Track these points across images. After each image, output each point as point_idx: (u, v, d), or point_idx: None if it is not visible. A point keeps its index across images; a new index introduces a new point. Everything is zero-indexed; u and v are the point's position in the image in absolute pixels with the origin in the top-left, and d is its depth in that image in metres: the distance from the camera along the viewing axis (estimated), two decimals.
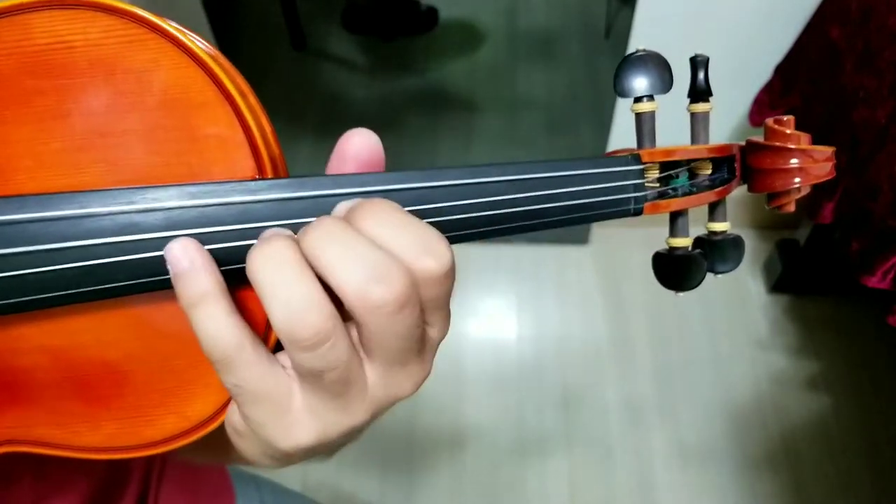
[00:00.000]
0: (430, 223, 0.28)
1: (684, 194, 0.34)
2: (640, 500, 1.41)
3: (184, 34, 0.29)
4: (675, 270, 0.35)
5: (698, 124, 0.34)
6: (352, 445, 0.37)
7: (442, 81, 2.13)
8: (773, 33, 1.33)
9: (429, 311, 0.28)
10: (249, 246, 0.28)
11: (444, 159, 1.91)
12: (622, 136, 1.53)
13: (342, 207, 0.29)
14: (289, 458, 0.33)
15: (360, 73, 2.20)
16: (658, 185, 0.34)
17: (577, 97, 2.06)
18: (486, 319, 1.66)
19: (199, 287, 0.28)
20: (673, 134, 0.37)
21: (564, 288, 1.71)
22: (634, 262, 1.71)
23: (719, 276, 0.35)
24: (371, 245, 0.26)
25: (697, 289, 0.35)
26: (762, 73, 1.37)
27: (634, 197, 0.33)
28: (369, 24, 2.26)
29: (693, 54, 0.34)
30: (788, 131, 0.32)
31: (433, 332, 0.30)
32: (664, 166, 0.34)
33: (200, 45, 0.30)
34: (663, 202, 0.34)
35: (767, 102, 1.37)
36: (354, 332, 0.28)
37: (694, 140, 0.35)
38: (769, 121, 0.33)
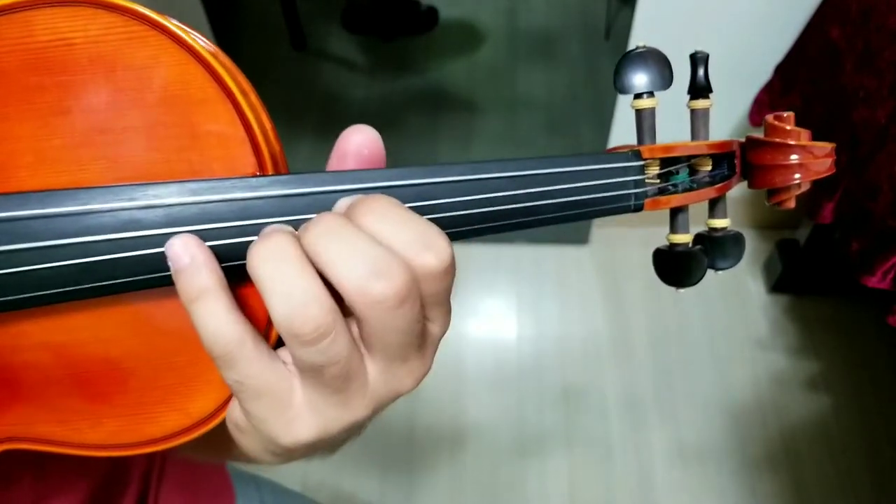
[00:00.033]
0: (431, 219, 0.28)
1: (684, 190, 0.34)
2: (640, 500, 1.41)
3: (184, 31, 0.29)
4: (675, 267, 0.35)
5: (698, 121, 0.34)
6: (352, 445, 0.37)
7: (442, 81, 2.13)
8: (773, 33, 1.33)
9: (429, 306, 0.28)
10: (250, 242, 0.28)
11: (444, 159, 1.91)
12: (622, 136, 1.53)
13: (342, 204, 0.29)
14: (290, 454, 0.33)
15: (360, 73, 2.20)
16: (658, 181, 0.34)
17: (577, 97, 2.06)
18: (486, 319, 1.66)
19: (200, 283, 0.28)
20: (673, 131, 0.37)
21: (564, 288, 1.71)
22: (634, 262, 1.71)
23: (720, 272, 0.35)
24: (371, 241, 0.26)
25: (697, 289, 0.35)
26: (762, 73, 1.37)
27: (635, 193, 0.33)
28: (369, 24, 2.26)
29: (693, 51, 0.34)
30: (788, 127, 0.32)
31: (434, 327, 0.30)
32: (664, 162, 0.34)
33: (201, 42, 0.30)
34: (663, 198, 0.34)
35: (767, 102, 1.37)
36: (355, 328, 0.28)
37: (694, 136, 0.35)
38: (769, 117, 0.33)
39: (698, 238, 0.36)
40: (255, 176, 0.30)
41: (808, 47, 1.27)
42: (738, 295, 1.67)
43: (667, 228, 0.36)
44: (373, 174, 0.30)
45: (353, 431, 0.32)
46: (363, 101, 2.10)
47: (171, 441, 0.33)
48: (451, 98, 2.10)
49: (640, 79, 0.33)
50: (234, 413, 0.32)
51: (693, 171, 0.35)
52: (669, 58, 0.34)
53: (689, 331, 1.62)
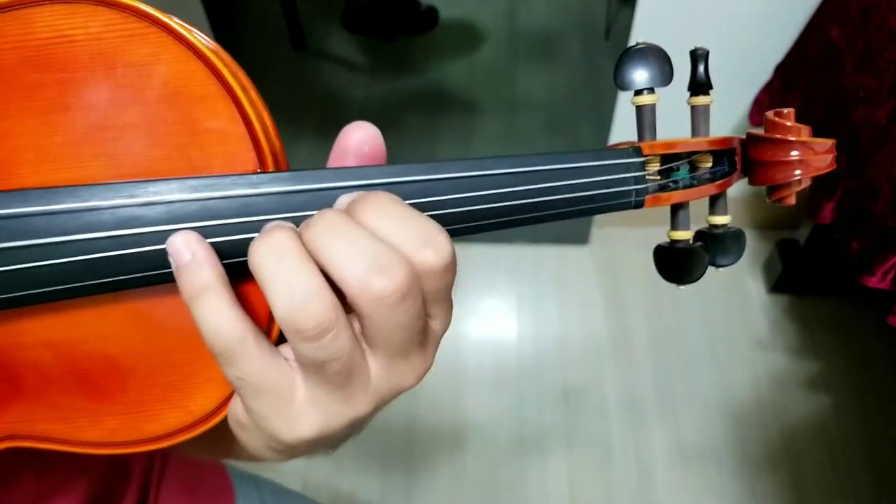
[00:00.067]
0: (431, 216, 0.29)
1: (685, 187, 0.34)
2: (640, 500, 1.41)
3: (185, 28, 0.29)
4: (676, 263, 0.35)
5: (699, 117, 0.34)
6: (352, 445, 0.37)
7: (442, 81, 2.14)
8: (773, 33, 1.33)
9: (430, 303, 0.28)
10: (251, 239, 0.28)
11: (444, 159, 1.91)
12: (622, 136, 1.53)
13: (343, 200, 0.29)
14: (292, 451, 0.33)
15: (360, 73, 2.20)
16: (659, 177, 0.34)
17: (577, 97, 2.06)
18: (486, 319, 1.66)
19: (201, 280, 0.28)
20: (673, 129, 0.37)
21: (564, 288, 1.71)
22: (634, 262, 1.71)
23: (720, 269, 0.35)
24: (373, 237, 0.26)
25: (697, 289, 0.35)
26: (762, 73, 1.37)
27: (635, 189, 0.33)
28: (369, 24, 2.26)
29: (693, 47, 0.34)
30: (789, 123, 0.32)
31: (435, 324, 0.30)
32: (665, 159, 0.34)
33: (201, 39, 0.30)
34: (664, 195, 0.34)
35: (767, 102, 1.37)
36: (357, 325, 0.28)
37: (694, 133, 0.35)
38: (769, 113, 0.33)
39: (699, 235, 0.36)
40: (255, 173, 0.30)
41: (808, 47, 1.27)
42: (738, 295, 1.67)
43: (666, 229, 0.36)
44: (373, 171, 0.30)
45: (355, 428, 0.32)
46: (363, 101, 2.10)
47: (172, 439, 0.33)
48: (451, 98, 2.10)
49: (640, 75, 0.33)
50: (235, 410, 0.32)
51: (694, 167, 0.35)
52: (669, 57, 0.34)
53: (689, 331, 1.62)
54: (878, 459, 1.43)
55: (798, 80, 1.29)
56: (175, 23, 0.29)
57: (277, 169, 0.31)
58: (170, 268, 0.29)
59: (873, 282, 1.07)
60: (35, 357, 0.32)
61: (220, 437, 0.36)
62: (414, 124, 2.02)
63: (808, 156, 0.32)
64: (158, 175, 0.30)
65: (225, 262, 0.29)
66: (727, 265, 0.35)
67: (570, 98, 2.07)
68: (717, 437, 1.47)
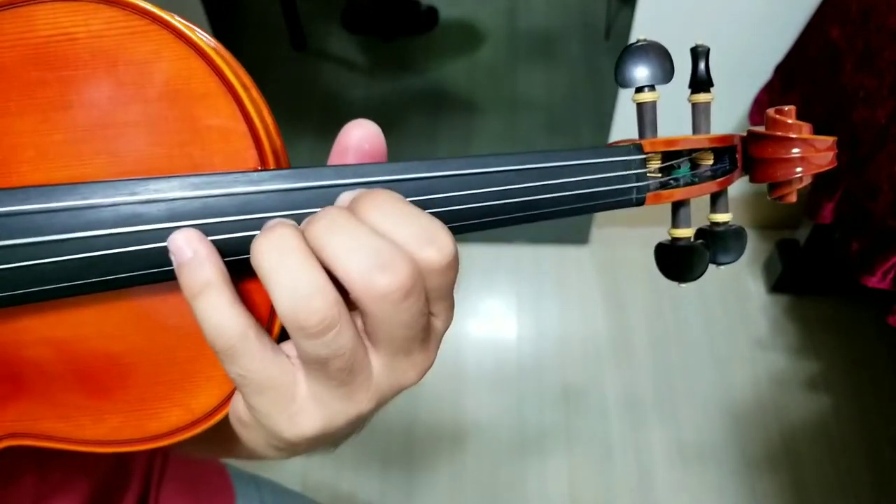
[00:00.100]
0: (433, 214, 0.29)
1: (686, 184, 0.34)
2: (640, 500, 1.40)
3: (186, 26, 0.29)
4: (677, 261, 0.35)
5: (700, 115, 0.34)
6: (352, 445, 0.37)
7: (442, 81, 2.14)
8: (773, 33, 1.33)
9: (433, 301, 0.28)
10: (252, 237, 0.28)
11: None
12: (622, 136, 1.52)
13: (345, 198, 0.29)
14: (293, 449, 0.33)
15: (360, 73, 2.20)
16: (660, 175, 0.34)
17: (577, 97, 2.06)
18: (486, 319, 1.66)
19: (203, 277, 0.28)
20: (674, 128, 0.37)
21: (564, 288, 1.71)
22: (634, 262, 1.71)
23: (721, 267, 0.35)
24: (376, 234, 0.26)
25: (697, 289, 0.35)
26: (762, 73, 1.37)
27: (637, 187, 0.33)
28: (369, 24, 2.26)
29: (694, 44, 0.34)
30: (790, 121, 0.32)
31: (437, 322, 0.30)
32: (666, 156, 0.34)
33: (202, 37, 0.30)
34: (665, 192, 0.34)
35: (767, 102, 1.37)
36: (359, 322, 0.28)
37: (695, 130, 0.35)
38: (770, 111, 0.33)
39: (700, 233, 0.36)
40: (256, 170, 0.30)
41: (808, 47, 1.27)
42: (738, 295, 1.67)
43: (667, 229, 0.36)
44: (374, 168, 0.30)
45: (357, 425, 0.32)
46: (363, 101, 2.10)
47: (173, 437, 0.33)
48: (451, 98, 2.10)
49: (641, 72, 0.33)
50: (237, 407, 0.32)
51: (694, 165, 0.35)
52: (670, 54, 0.34)
53: (689, 331, 1.62)
54: (878, 459, 1.43)
55: (798, 80, 1.30)
56: (176, 20, 0.29)
57: (278, 167, 0.31)
58: (171, 265, 0.29)
59: (873, 282, 1.07)
60: (36, 355, 0.32)
61: (222, 436, 0.36)
62: (414, 124, 2.02)
63: (809, 153, 0.32)
64: (160, 173, 0.30)
65: (226, 259, 0.29)
66: (728, 263, 0.35)
67: (570, 98, 2.07)
68: (717, 437, 1.47)
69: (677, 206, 0.35)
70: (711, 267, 0.35)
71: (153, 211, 0.29)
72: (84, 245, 0.29)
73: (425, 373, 0.31)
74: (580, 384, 1.55)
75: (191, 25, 0.29)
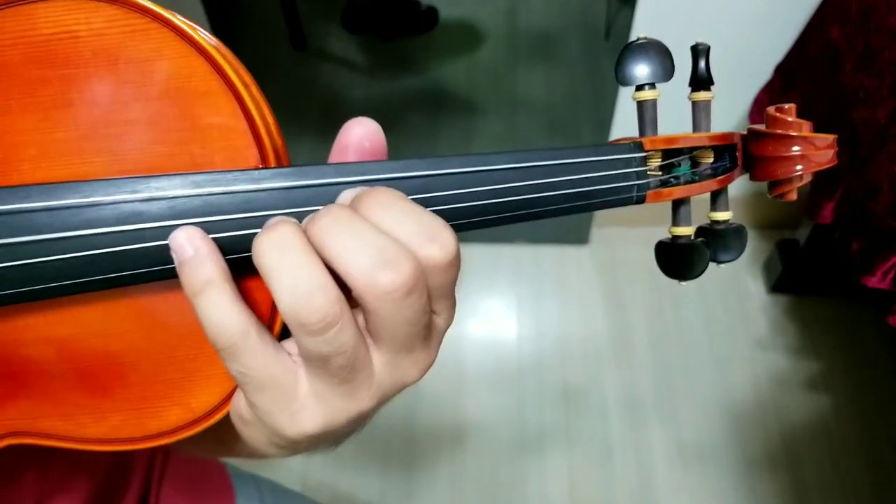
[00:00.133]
0: (434, 211, 0.29)
1: (686, 182, 0.34)
2: (640, 500, 1.40)
3: (187, 24, 0.29)
4: (677, 259, 0.35)
5: (700, 113, 0.34)
6: (352, 445, 0.37)
7: (442, 81, 2.14)
8: (773, 33, 1.33)
9: (435, 298, 0.29)
10: (253, 235, 0.28)
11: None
12: (622, 136, 1.53)
13: (346, 196, 0.29)
14: (295, 447, 0.33)
15: (360, 73, 2.20)
16: (660, 173, 0.34)
17: (577, 97, 2.06)
18: (486, 319, 1.66)
19: (204, 275, 0.28)
20: (675, 125, 0.37)
21: (564, 288, 1.71)
22: (634, 262, 1.71)
23: (721, 266, 0.35)
24: (378, 232, 0.26)
25: (698, 289, 0.35)
26: (762, 73, 1.37)
27: (637, 185, 0.33)
28: (369, 24, 2.26)
29: (694, 42, 0.34)
30: (790, 119, 0.32)
31: (439, 320, 0.30)
32: (666, 154, 0.34)
33: (203, 35, 0.30)
34: (665, 190, 0.34)
35: (767, 102, 1.37)
36: (361, 319, 0.29)
37: (696, 129, 0.35)
38: (770, 109, 0.33)
39: (700, 231, 0.36)
40: (257, 168, 0.30)
41: (808, 47, 1.27)
42: (738, 295, 1.67)
43: (666, 229, 0.36)
44: (375, 166, 0.30)
45: (358, 423, 0.32)
46: (363, 101, 2.10)
47: (174, 435, 0.33)
48: (451, 98, 2.10)
49: (641, 70, 0.33)
50: (238, 405, 0.32)
51: (695, 163, 0.35)
52: (671, 52, 0.34)
53: (689, 331, 1.62)
54: (878, 459, 1.43)
55: (798, 80, 1.30)
56: (177, 19, 0.29)
57: (279, 165, 0.31)
58: (172, 264, 0.29)
59: (873, 282, 1.07)
60: (37, 353, 0.32)
61: (223, 434, 0.36)
62: (414, 124, 2.02)
63: (809, 151, 0.32)
64: (161, 171, 0.30)
65: (227, 257, 0.29)
66: (729, 261, 0.35)
67: (570, 98, 2.07)
68: (717, 437, 1.47)
69: (678, 205, 0.35)
70: (712, 265, 0.35)
71: (154, 209, 0.29)
72: (85, 243, 0.29)
73: (427, 371, 0.31)
74: (580, 384, 1.55)
75: (192, 24, 0.30)
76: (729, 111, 1.49)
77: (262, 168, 0.30)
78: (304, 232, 0.27)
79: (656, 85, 0.34)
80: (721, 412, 1.50)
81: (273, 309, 0.31)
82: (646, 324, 1.64)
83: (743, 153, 0.35)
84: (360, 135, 0.31)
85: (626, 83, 0.33)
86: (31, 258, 0.29)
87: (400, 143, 1.91)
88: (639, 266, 1.71)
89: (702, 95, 0.34)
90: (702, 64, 0.34)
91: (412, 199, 0.29)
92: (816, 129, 0.33)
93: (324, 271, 0.26)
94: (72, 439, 0.33)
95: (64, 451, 0.34)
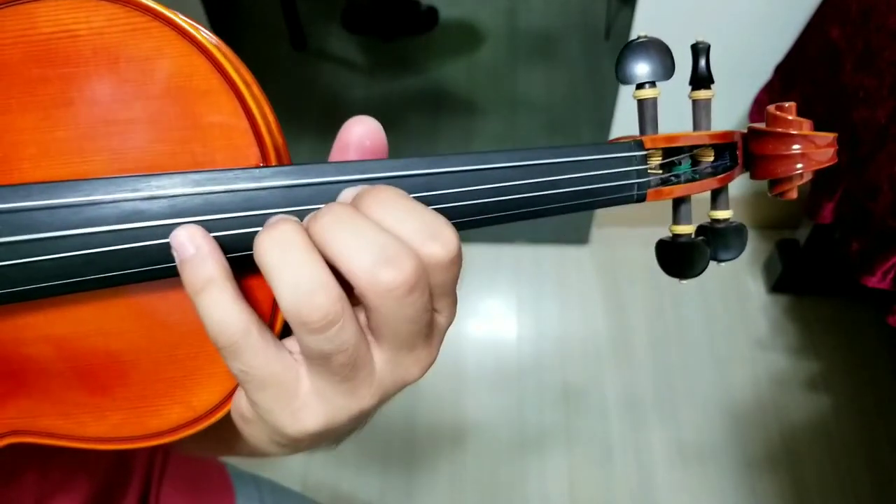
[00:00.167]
0: (435, 209, 0.29)
1: (687, 181, 0.34)
2: (640, 500, 1.40)
3: (187, 23, 0.29)
4: (678, 257, 0.35)
5: (700, 111, 0.34)
6: (352, 445, 0.37)
7: (442, 81, 2.13)
8: (773, 33, 1.33)
9: (436, 297, 0.29)
10: (254, 233, 0.28)
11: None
12: (622, 135, 1.53)
13: (348, 194, 0.29)
14: (296, 445, 0.33)
15: (360, 73, 2.20)
16: (661, 171, 0.34)
17: (577, 97, 2.06)
18: (486, 319, 1.66)
19: (205, 273, 0.28)
20: (675, 125, 0.37)
21: (564, 288, 1.71)
22: (634, 262, 1.71)
23: (722, 265, 0.35)
24: (380, 230, 0.26)
25: (698, 289, 0.35)
26: (762, 72, 1.37)
27: (637, 183, 0.33)
28: (369, 24, 2.26)
29: (695, 41, 0.34)
30: (790, 117, 0.32)
31: (440, 318, 0.30)
32: (667, 153, 0.34)
33: (204, 34, 0.30)
34: (666, 188, 0.34)
35: (767, 102, 1.37)
36: (362, 317, 0.29)
37: (696, 127, 0.35)
38: (771, 107, 0.33)
39: (701, 229, 0.36)
40: (258, 167, 0.30)
41: (808, 47, 1.27)
42: (738, 295, 1.67)
43: (666, 229, 0.36)
44: (376, 165, 0.30)
45: (359, 421, 0.32)
46: (363, 101, 2.10)
47: (175, 434, 0.33)
48: (451, 98, 2.10)
49: (642, 68, 0.33)
50: (239, 403, 0.32)
51: (695, 161, 0.35)
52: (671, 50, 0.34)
53: (689, 331, 1.62)
54: (878, 459, 1.43)
55: (798, 80, 1.30)
56: (178, 18, 0.29)
57: (280, 163, 0.31)
58: (172, 262, 0.29)
59: (873, 282, 1.07)
60: (37, 352, 0.32)
61: (224, 433, 0.36)
62: (414, 124, 2.02)
63: (809, 149, 0.32)
64: (161, 170, 0.30)
65: (228, 256, 0.29)
66: (729, 259, 0.35)
67: (570, 98, 2.07)
68: (717, 437, 1.47)
69: (678, 203, 0.35)
70: (712, 264, 0.35)
71: (155, 208, 0.29)
72: (85, 242, 0.29)
73: (428, 369, 0.31)
74: (580, 384, 1.55)
75: (192, 22, 0.30)
76: (729, 111, 1.49)
77: (263, 167, 0.30)
78: (306, 230, 0.27)
79: (657, 83, 0.34)
80: (721, 412, 1.50)
81: (274, 307, 0.31)
82: (646, 324, 1.64)
83: (743, 152, 0.35)
84: (361, 133, 0.31)
85: (626, 81, 0.33)
86: (31, 257, 0.29)
87: (400, 143, 1.91)
88: (639, 266, 1.71)
89: (702, 94, 0.34)
90: (702, 62, 0.34)
91: (413, 197, 0.29)
92: (816, 129, 0.33)
93: (325, 269, 0.26)
94: (72, 438, 0.33)
95: (64, 451, 0.34)
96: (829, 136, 0.32)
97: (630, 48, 0.33)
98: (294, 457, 0.35)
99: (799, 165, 0.32)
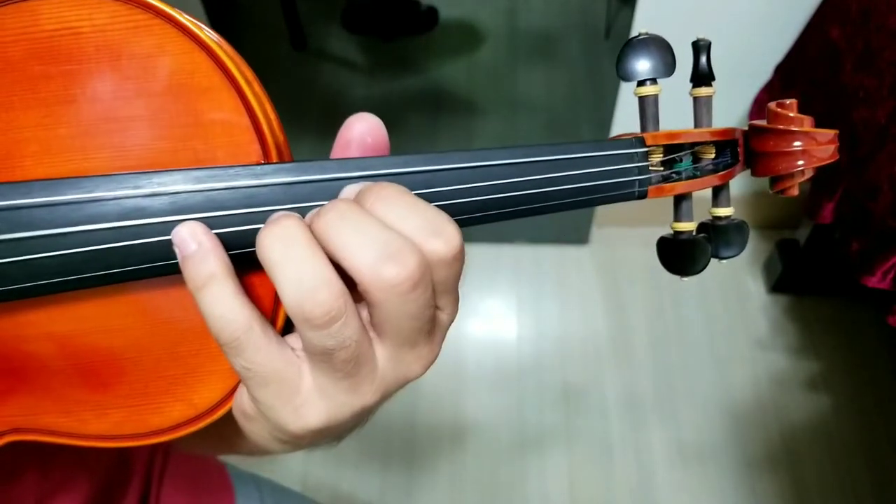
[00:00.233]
0: (437, 206, 0.29)
1: (688, 178, 0.34)
2: (640, 500, 1.40)
3: (189, 20, 0.29)
4: (679, 255, 0.35)
5: (701, 108, 0.34)
6: (352, 445, 0.37)
7: (442, 81, 2.13)
8: (773, 33, 1.33)
9: (438, 294, 0.29)
10: (256, 230, 0.28)
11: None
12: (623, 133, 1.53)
13: (350, 191, 0.29)
14: (297, 442, 0.33)
15: (360, 73, 2.20)
16: (662, 168, 0.34)
17: (577, 97, 2.06)
18: (486, 319, 1.66)
19: (207, 269, 0.28)
20: (676, 122, 0.37)
21: (564, 288, 1.71)
22: (634, 262, 1.71)
23: (723, 262, 0.35)
24: (383, 226, 0.27)
25: (698, 288, 0.35)
26: (762, 72, 1.37)
27: (639, 180, 0.33)
28: (369, 24, 2.26)
29: (695, 38, 0.34)
30: (791, 114, 0.32)
31: (442, 315, 0.30)
32: (668, 150, 0.34)
33: (206, 31, 0.30)
34: (667, 185, 0.34)
35: (767, 102, 1.37)
36: (365, 313, 0.29)
37: (697, 124, 0.35)
38: (772, 104, 0.33)
39: (702, 227, 0.36)
40: (259, 164, 0.30)
41: (808, 47, 1.27)
42: (738, 295, 1.67)
43: (666, 229, 0.36)
44: (377, 162, 0.30)
45: (361, 418, 0.32)
46: (363, 101, 2.10)
47: (176, 432, 0.33)
48: (451, 98, 2.10)
49: (643, 65, 0.33)
50: (241, 400, 0.32)
51: (696, 158, 0.35)
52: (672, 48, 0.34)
53: (689, 331, 1.62)
54: (878, 459, 1.43)
55: (798, 80, 1.30)
56: (180, 15, 0.29)
57: (281, 160, 0.31)
58: (174, 259, 0.29)
59: (873, 282, 1.07)
60: (38, 350, 0.32)
61: (225, 431, 0.36)
62: (414, 124, 2.02)
63: (810, 146, 0.32)
64: (163, 167, 0.30)
65: (230, 253, 0.29)
66: (730, 257, 0.35)
67: (570, 98, 2.07)
68: (717, 437, 1.47)
69: (679, 200, 0.35)
70: (713, 262, 0.35)
71: (157, 204, 0.29)
72: (87, 239, 0.29)
73: (430, 365, 0.31)
74: (580, 384, 1.55)
75: (194, 20, 0.30)
76: (729, 111, 1.49)
77: (265, 164, 0.30)
78: (309, 226, 0.27)
79: (658, 80, 0.34)
80: (721, 412, 1.50)
81: (276, 304, 0.31)
82: (646, 324, 1.64)
83: (744, 149, 0.35)
84: (363, 130, 0.31)
85: (627, 78, 0.33)
86: (32, 254, 0.29)
87: (400, 143, 1.89)
88: (639, 266, 1.71)
89: (703, 91, 0.34)
90: (703, 59, 0.34)
91: (415, 193, 0.29)
92: (817, 128, 0.33)
93: (328, 265, 0.26)
94: (73, 436, 0.33)
95: (65, 449, 0.34)
96: (831, 133, 0.32)
97: (631, 45, 0.33)
98: (294, 456, 0.35)
99: (800, 162, 0.32)
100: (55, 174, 0.30)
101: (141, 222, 0.29)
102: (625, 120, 1.50)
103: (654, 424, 1.49)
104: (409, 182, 0.30)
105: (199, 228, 0.28)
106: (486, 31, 2.24)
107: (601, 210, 1.70)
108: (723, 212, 0.36)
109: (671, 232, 0.35)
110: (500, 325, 1.64)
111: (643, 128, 0.34)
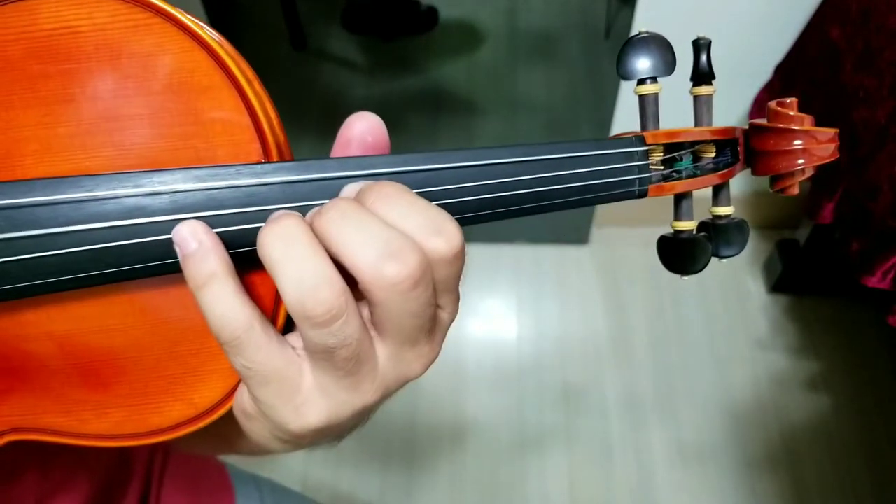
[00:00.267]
0: (437, 205, 0.29)
1: (688, 176, 0.34)
2: (640, 500, 1.40)
3: (189, 19, 0.29)
4: (680, 253, 0.35)
5: (701, 107, 0.34)
6: (352, 445, 0.37)
7: (442, 81, 2.13)
8: (773, 33, 1.33)
9: (439, 292, 0.29)
10: (256, 229, 0.28)
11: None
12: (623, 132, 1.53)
13: (351, 189, 0.29)
14: (298, 441, 0.33)
15: (360, 73, 2.20)
16: (662, 167, 0.34)
17: (577, 97, 2.06)
18: (486, 319, 1.66)
19: (208, 268, 0.28)
20: (677, 121, 0.37)
21: (564, 288, 1.71)
22: (634, 262, 1.71)
23: (723, 261, 0.35)
24: (384, 225, 0.27)
25: (698, 288, 0.35)
26: (762, 73, 1.37)
27: (639, 178, 0.33)
28: (369, 24, 2.26)
29: (696, 37, 0.34)
30: (792, 113, 0.32)
31: (443, 314, 0.30)
32: (668, 149, 0.34)
33: (206, 30, 0.30)
34: (668, 184, 0.34)
35: (767, 101, 1.37)
36: (366, 312, 0.29)
37: (697, 123, 0.35)
38: (772, 103, 0.33)
39: (702, 226, 0.36)
40: (260, 163, 0.30)
41: (808, 47, 1.27)
42: (738, 295, 1.67)
43: (667, 229, 0.36)
44: (377, 160, 0.30)
45: (361, 417, 0.32)
46: (363, 100, 2.10)
47: (176, 431, 0.33)
48: (451, 98, 2.10)
49: (643, 64, 0.33)
50: (241, 399, 0.32)
51: (697, 157, 0.35)
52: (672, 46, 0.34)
53: (689, 331, 1.62)
54: (878, 459, 1.43)
55: (798, 80, 1.30)
56: (181, 14, 0.29)
57: (282, 159, 0.31)
58: (174, 258, 0.29)
59: (873, 282, 1.07)
60: (38, 349, 0.32)
61: (225, 431, 0.36)
62: (414, 124, 2.02)
63: (811, 144, 0.32)
64: (164, 165, 0.30)
65: (230, 252, 0.29)
66: (731, 256, 0.35)
67: (570, 98, 2.07)
68: (717, 437, 1.47)
69: (679, 199, 0.35)
70: (713, 261, 0.35)
71: (157, 203, 0.29)
72: (87, 238, 0.29)
73: (430, 365, 0.31)
74: (580, 384, 1.55)
75: (194, 19, 0.30)
76: (729, 111, 1.49)
77: (265, 162, 0.30)
78: (310, 225, 0.27)
79: (658, 79, 0.34)
80: (721, 412, 1.50)
81: (276, 303, 0.31)
82: (646, 324, 1.64)
83: (745, 148, 0.35)
84: (363, 129, 0.31)
85: (627, 77, 0.33)
86: (32, 253, 0.29)
87: (400, 143, 1.89)
88: (639, 266, 1.71)
89: (703, 90, 0.34)
90: (703, 58, 0.34)
91: (416, 192, 0.29)
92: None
93: (329, 264, 0.26)
94: (73, 435, 0.33)
95: (65, 449, 0.34)
96: (831, 132, 0.32)
97: (631, 44, 0.33)
98: (294, 456, 0.35)
99: (800, 160, 0.32)
100: (55, 173, 0.30)
101: (141, 221, 0.29)
102: (625, 119, 1.50)
103: (654, 424, 1.49)
104: (410, 181, 0.30)
105: (200, 227, 0.28)
106: (486, 31, 2.24)
107: (601, 210, 1.69)
108: (723, 211, 0.36)
109: (671, 231, 0.35)
110: (500, 325, 1.64)
111: (643, 127, 0.34)
